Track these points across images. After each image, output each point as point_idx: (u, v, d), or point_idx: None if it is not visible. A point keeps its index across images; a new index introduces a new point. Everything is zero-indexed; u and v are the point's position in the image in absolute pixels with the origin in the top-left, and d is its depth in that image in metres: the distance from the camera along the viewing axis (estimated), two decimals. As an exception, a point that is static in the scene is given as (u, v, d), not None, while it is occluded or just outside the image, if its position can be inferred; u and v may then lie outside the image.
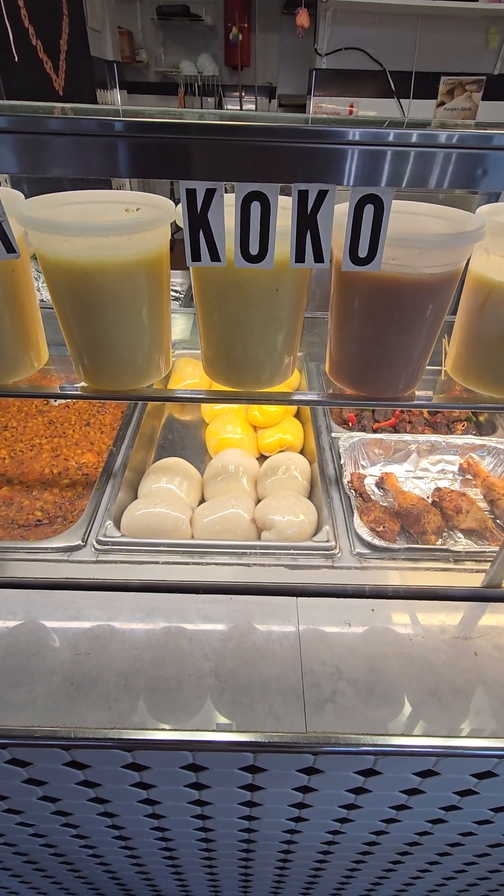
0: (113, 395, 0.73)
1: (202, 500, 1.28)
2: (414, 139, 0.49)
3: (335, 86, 3.93)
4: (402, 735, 0.77)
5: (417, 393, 0.77)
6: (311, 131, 0.50)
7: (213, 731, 0.77)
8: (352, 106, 3.98)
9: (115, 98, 4.17)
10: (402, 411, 1.57)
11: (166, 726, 0.77)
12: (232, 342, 0.68)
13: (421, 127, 0.51)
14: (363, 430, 1.51)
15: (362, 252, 0.55)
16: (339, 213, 0.55)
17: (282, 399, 0.75)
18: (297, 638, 0.90)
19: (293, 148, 0.50)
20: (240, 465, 1.33)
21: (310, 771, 0.84)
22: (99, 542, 1.07)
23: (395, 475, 1.38)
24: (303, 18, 3.67)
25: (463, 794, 0.91)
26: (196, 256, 0.56)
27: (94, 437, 1.48)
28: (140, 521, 1.13)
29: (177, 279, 2.49)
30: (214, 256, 0.56)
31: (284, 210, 0.54)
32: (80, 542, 1.07)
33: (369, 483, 1.38)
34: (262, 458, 1.44)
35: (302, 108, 4.51)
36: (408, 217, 0.68)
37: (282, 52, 5.10)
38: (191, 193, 0.52)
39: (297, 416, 1.57)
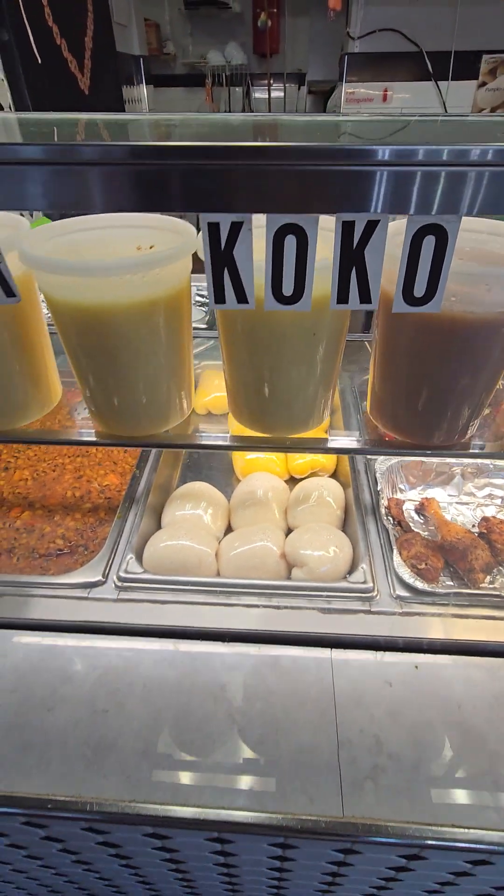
0: (129, 442, 0.66)
1: (229, 527, 1.21)
2: (491, 156, 0.39)
3: (368, 70, 3.73)
4: (450, 826, 0.68)
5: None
6: (355, 151, 0.40)
7: (239, 809, 0.70)
8: (386, 91, 3.78)
9: (141, 94, 4.10)
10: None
11: (188, 805, 0.70)
12: (262, 387, 0.60)
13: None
14: (401, 449, 1.40)
15: (419, 291, 0.45)
16: (389, 239, 0.45)
17: (315, 447, 0.67)
18: (331, 700, 0.82)
19: (333, 171, 0.41)
20: (268, 490, 1.25)
21: (347, 851, 0.76)
22: (120, 578, 1.01)
23: (437, 501, 1.27)
24: (334, 0, 3.48)
25: (518, 877, 0.81)
26: (220, 298, 0.47)
27: (117, 456, 1.42)
28: (163, 554, 1.07)
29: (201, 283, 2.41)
30: (241, 298, 0.47)
31: (326, 232, 0.44)
32: (100, 577, 1.02)
33: (408, 509, 1.28)
34: (291, 479, 1.35)
35: (331, 94, 4.33)
36: (469, 236, 0.58)
37: (312, 36, 4.90)
38: (213, 228, 0.43)
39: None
